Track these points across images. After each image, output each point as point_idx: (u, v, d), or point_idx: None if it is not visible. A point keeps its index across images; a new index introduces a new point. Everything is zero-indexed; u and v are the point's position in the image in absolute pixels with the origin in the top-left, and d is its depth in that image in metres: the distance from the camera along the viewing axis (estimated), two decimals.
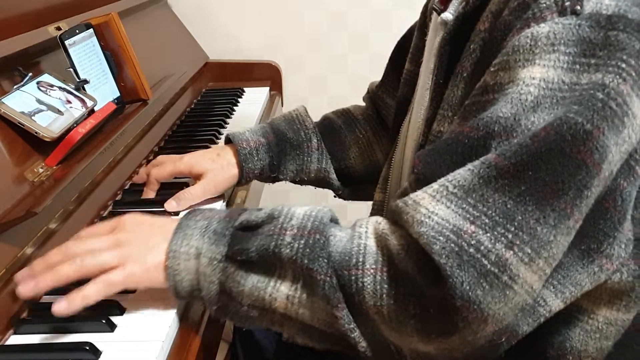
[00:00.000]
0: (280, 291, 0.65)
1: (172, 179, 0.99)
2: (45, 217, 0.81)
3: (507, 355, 0.66)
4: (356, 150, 1.07)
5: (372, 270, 0.62)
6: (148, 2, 1.53)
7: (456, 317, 0.58)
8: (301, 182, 1.05)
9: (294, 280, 0.65)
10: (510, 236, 0.57)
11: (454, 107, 0.70)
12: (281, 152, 0.99)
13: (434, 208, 0.59)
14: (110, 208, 0.98)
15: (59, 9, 1.12)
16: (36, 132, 0.85)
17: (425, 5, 0.94)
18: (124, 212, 0.96)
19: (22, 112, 0.85)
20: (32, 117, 0.86)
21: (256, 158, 0.97)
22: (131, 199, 1.01)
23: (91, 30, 1.08)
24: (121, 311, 0.71)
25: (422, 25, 0.93)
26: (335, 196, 1.11)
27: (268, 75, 1.74)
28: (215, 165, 0.96)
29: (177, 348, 0.69)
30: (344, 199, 1.12)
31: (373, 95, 1.11)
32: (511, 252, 0.57)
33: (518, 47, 0.61)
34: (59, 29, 1.04)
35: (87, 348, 0.65)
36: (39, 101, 0.89)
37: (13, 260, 0.74)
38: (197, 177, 0.96)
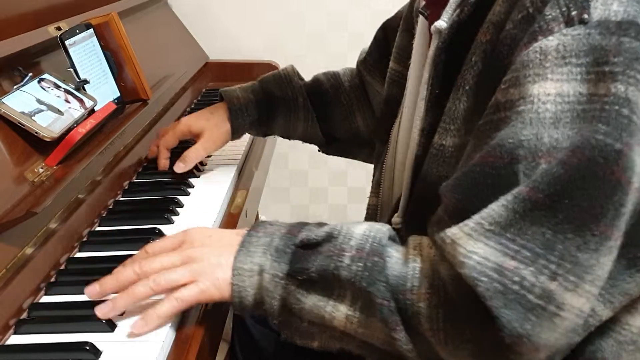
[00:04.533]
0: (340, 310, 0.66)
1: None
2: (45, 217, 0.82)
3: None
4: (338, 114, 1.13)
5: (427, 295, 0.62)
6: (148, 2, 1.53)
7: (508, 352, 0.58)
8: (290, 137, 1.17)
9: (353, 301, 0.65)
10: (553, 267, 0.56)
11: (456, 120, 0.69)
12: (269, 107, 1.09)
13: (472, 247, 0.58)
14: (110, 207, 0.98)
15: (59, 9, 1.12)
16: (36, 132, 0.85)
17: (411, 4, 0.92)
18: (124, 212, 0.97)
19: (22, 112, 0.85)
20: (32, 117, 0.86)
21: (245, 114, 1.08)
22: (132, 199, 1.01)
23: (91, 30, 1.08)
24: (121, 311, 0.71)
25: (409, 25, 0.91)
26: (319, 150, 1.21)
27: None
28: (210, 123, 1.08)
29: (177, 348, 0.69)
30: (328, 155, 1.22)
31: (359, 64, 1.15)
32: (555, 282, 0.56)
33: (527, 63, 0.59)
34: (59, 29, 1.04)
35: (87, 348, 0.65)
36: (39, 101, 0.89)
37: (13, 260, 0.74)
38: (197, 136, 1.08)
